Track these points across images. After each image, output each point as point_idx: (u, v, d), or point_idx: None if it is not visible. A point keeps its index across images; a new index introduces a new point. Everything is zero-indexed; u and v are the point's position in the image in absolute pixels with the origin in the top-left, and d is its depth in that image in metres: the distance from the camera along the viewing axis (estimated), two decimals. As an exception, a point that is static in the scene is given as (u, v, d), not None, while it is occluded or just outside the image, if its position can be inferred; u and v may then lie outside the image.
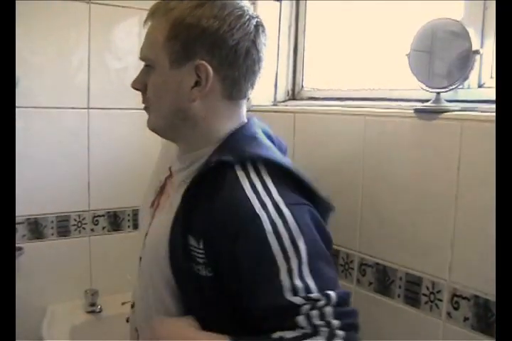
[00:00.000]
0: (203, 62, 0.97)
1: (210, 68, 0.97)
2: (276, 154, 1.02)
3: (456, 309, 1.29)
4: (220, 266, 0.93)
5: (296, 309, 0.84)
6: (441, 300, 1.33)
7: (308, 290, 0.85)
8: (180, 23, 0.97)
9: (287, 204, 0.92)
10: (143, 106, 1.07)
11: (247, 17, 0.99)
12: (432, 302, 1.35)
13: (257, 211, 0.90)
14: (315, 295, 0.85)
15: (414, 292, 1.39)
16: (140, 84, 1.05)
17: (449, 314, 1.31)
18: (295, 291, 0.85)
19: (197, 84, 0.99)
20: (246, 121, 1.08)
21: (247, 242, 0.89)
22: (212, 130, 1.04)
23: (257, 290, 0.88)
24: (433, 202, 1.34)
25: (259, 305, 0.87)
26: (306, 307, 0.84)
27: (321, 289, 0.86)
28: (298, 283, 0.86)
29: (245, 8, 1.00)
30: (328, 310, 0.84)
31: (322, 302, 0.84)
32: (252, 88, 1.06)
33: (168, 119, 1.04)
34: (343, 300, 0.87)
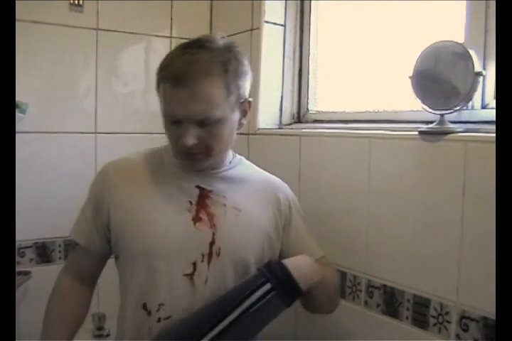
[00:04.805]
0: None
1: None
2: None
3: (465, 331, 1.28)
4: None
5: None
6: (449, 322, 1.32)
7: None
8: None
9: None
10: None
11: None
12: (440, 324, 1.34)
13: None
14: None
15: (423, 314, 1.39)
16: None
17: (458, 336, 1.30)
18: None
19: None
20: None
21: None
22: None
23: None
24: (439, 223, 1.34)
25: None
26: None
27: None
28: None
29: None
30: None
31: None
32: None
33: None
34: None
